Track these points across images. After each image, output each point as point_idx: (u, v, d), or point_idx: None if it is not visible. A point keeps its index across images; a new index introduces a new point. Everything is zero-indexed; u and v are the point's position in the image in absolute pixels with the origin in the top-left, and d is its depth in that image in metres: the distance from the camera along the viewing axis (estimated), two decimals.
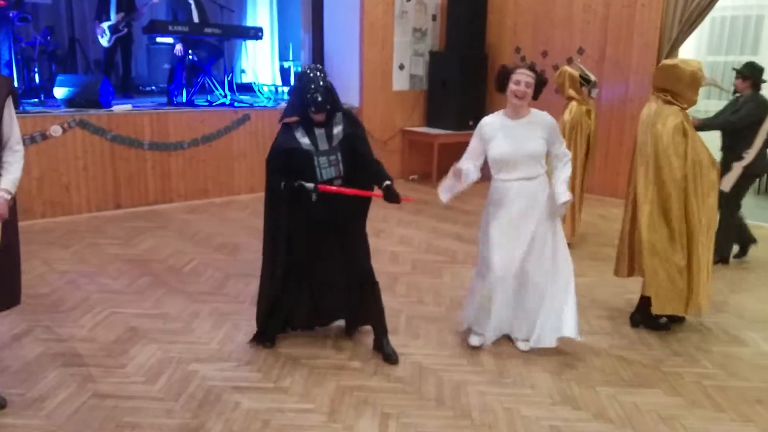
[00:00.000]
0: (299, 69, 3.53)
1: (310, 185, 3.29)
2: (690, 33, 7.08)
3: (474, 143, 3.59)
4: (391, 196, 3.36)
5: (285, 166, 3.34)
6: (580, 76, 5.37)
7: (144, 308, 4.18)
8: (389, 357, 3.59)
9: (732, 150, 5.06)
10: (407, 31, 8.61)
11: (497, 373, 3.43)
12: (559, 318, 3.54)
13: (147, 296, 4.39)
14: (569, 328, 3.53)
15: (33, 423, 2.88)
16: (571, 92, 5.35)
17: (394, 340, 3.77)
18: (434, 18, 8.88)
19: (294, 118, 3.33)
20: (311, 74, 3.26)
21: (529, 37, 8.43)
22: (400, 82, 8.66)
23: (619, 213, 5.05)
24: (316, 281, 3.69)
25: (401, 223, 6.43)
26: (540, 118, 3.51)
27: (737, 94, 5.21)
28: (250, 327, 3.91)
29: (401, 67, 8.63)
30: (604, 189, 7.65)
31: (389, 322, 4.01)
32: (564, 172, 3.53)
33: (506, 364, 3.54)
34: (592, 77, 5.51)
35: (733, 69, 5.33)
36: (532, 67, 3.52)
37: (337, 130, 3.38)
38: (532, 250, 3.53)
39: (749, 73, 5.11)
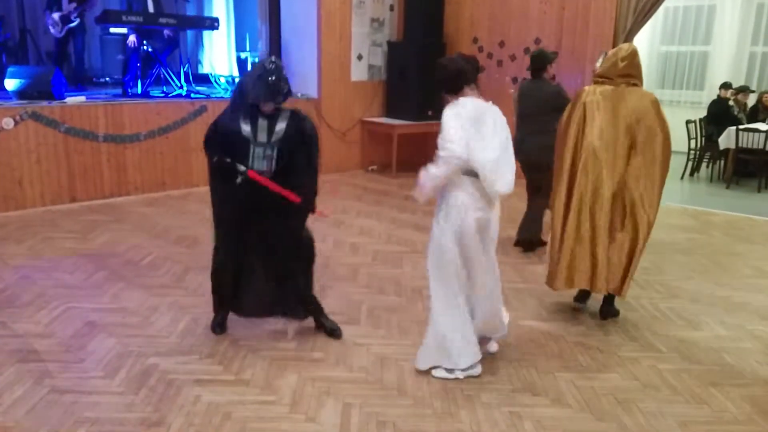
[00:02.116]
0: (257, 60, 3.51)
1: (242, 167, 3.34)
2: (644, 23, 7.25)
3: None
4: (307, 204, 3.46)
5: (221, 146, 3.37)
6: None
7: (102, 302, 4.12)
8: (333, 332, 3.70)
9: None
10: (365, 21, 8.59)
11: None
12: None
13: (105, 290, 4.32)
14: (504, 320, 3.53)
15: None
16: None
17: (355, 330, 3.81)
18: (392, 8, 8.88)
19: None
20: (268, 66, 3.27)
21: (486, 27, 8.51)
22: (358, 72, 8.65)
23: None
24: (248, 266, 3.61)
25: (361, 214, 6.45)
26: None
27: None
28: (210, 320, 3.89)
29: (359, 57, 8.62)
30: None
31: (350, 313, 4.06)
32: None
33: None
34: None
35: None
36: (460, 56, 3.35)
37: (280, 126, 3.38)
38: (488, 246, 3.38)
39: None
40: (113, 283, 4.45)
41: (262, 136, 3.35)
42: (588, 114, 3.81)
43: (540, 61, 5.15)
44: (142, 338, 3.64)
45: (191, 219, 6.12)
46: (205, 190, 7.07)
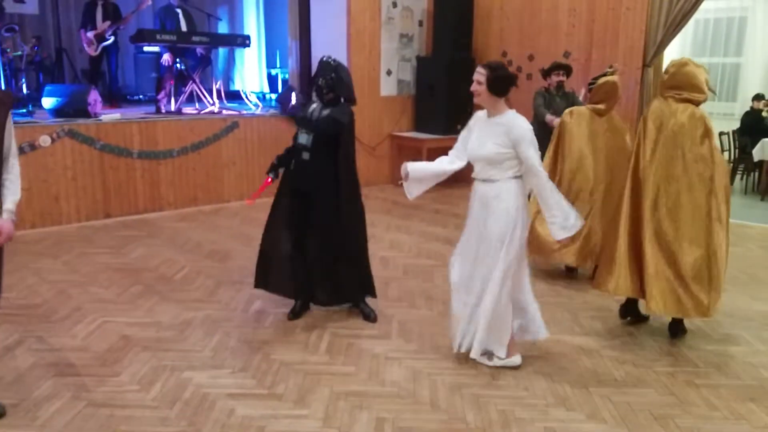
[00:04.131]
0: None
1: (272, 176, 4.03)
2: (675, 35, 7.18)
3: (463, 133, 3.54)
4: (338, 191, 3.96)
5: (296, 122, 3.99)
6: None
7: (136, 317, 4.18)
8: (368, 315, 4.12)
9: None
10: (394, 36, 8.65)
11: (491, 375, 3.45)
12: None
13: (139, 305, 4.38)
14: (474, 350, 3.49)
15: None
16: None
17: (387, 345, 3.81)
18: (421, 24, 8.93)
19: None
20: (323, 65, 3.90)
21: (515, 41, 8.50)
22: (387, 87, 8.70)
23: None
24: (296, 250, 4.05)
25: (391, 228, 6.45)
26: (509, 120, 3.28)
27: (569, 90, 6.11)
28: (243, 334, 3.93)
29: (389, 72, 8.67)
30: None
31: (381, 327, 4.06)
32: (548, 200, 3.30)
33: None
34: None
35: (556, 66, 6.05)
36: (491, 64, 3.33)
37: (327, 111, 3.88)
38: (478, 255, 3.41)
39: (570, 72, 6.03)
40: (147, 298, 4.51)
41: (314, 116, 3.90)
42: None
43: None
44: (176, 352, 3.68)
45: (222, 234, 6.19)
46: (236, 205, 7.24)
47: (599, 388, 3.35)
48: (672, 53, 8.57)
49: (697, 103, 3.73)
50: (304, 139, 3.88)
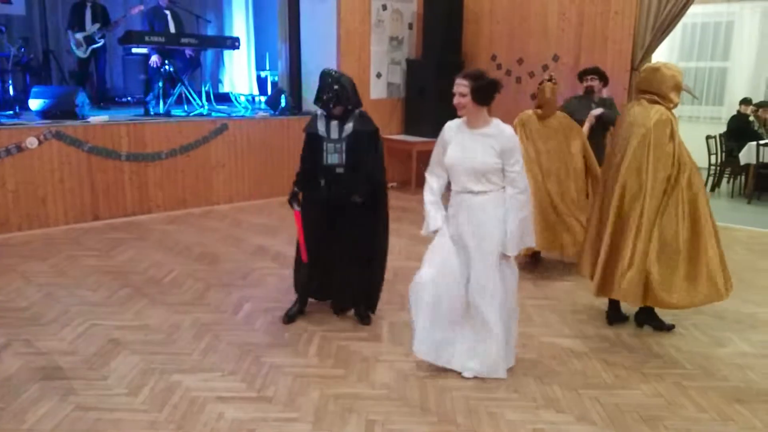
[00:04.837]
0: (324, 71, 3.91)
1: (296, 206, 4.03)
2: (662, 39, 7.23)
3: (437, 148, 3.45)
4: (378, 202, 4.06)
5: (306, 146, 3.99)
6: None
7: (124, 320, 4.15)
8: (363, 318, 4.15)
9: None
10: (384, 39, 8.66)
11: (480, 378, 3.45)
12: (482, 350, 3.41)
13: (127, 308, 4.35)
14: (475, 366, 3.43)
15: None
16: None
17: (377, 347, 3.82)
18: (410, 26, 8.95)
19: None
20: (325, 78, 3.88)
21: (505, 44, 8.54)
22: (377, 90, 8.70)
23: None
24: (323, 256, 4.09)
25: None
26: (497, 131, 3.24)
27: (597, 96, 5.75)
28: (232, 337, 3.92)
29: (378, 75, 8.68)
30: None
31: (371, 329, 4.09)
32: (515, 213, 3.25)
33: None
34: None
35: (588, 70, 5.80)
36: (471, 74, 3.25)
37: (349, 125, 3.92)
38: (472, 270, 3.35)
39: (603, 75, 5.73)
40: (136, 301, 4.48)
41: (334, 134, 3.92)
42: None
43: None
44: (165, 355, 3.66)
45: (212, 237, 6.16)
46: (225, 208, 7.22)
47: (588, 390, 3.36)
48: (659, 57, 8.66)
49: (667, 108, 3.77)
50: (335, 159, 3.89)
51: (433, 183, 3.51)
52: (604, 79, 5.71)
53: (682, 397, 3.31)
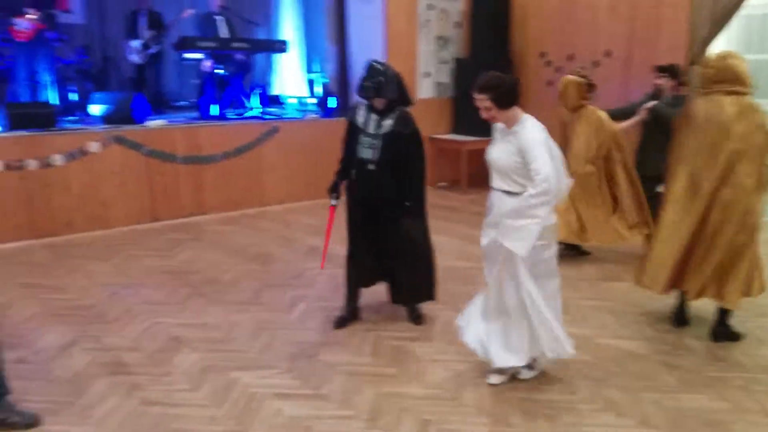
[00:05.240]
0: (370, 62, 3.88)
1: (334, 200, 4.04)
2: (721, 31, 6.99)
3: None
4: (415, 206, 4.01)
5: (346, 133, 3.94)
6: (587, 83, 5.34)
7: (185, 318, 4.27)
8: (415, 318, 4.14)
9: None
10: (431, 39, 8.66)
11: (536, 380, 3.43)
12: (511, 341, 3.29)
13: (187, 306, 4.48)
14: (502, 359, 3.31)
15: (85, 430, 2.97)
16: (581, 100, 5.29)
17: (429, 347, 3.82)
18: (457, 25, 8.92)
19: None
20: (369, 68, 3.79)
21: (554, 41, 8.42)
22: (425, 90, 8.70)
23: None
24: (364, 250, 4.08)
25: (432, 231, 6.43)
26: (519, 129, 3.11)
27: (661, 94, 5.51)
28: (288, 335, 3.99)
29: (426, 75, 8.68)
30: None
31: (424, 329, 4.08)
32: (524, 211, 3.01)
33: (546, 370, 3.52)
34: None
35: (658, 68, 5.63)
36: (486, 86, 3.11)
37: (387, 122, 3.82)
38: (500, 264, 3.24)
39: (676, 73, 5.47)
40: (195, 300, 4.61)
41: (371, 128, 3.83)
42: None
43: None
44: (223, 353, 3.75)
45: (265, 237, 6.28)
46: (278, 209, 7.33)
47: (649, 393, 3.29)
48: (716, 50, 8.38)
49: (744, 95, 3.67)
50: (368, 153, 3.83)
51: None
52: (675, 77, 5.45)
53: (748, 402, 3.21)
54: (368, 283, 4.22)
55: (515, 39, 8.75)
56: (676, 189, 3.81)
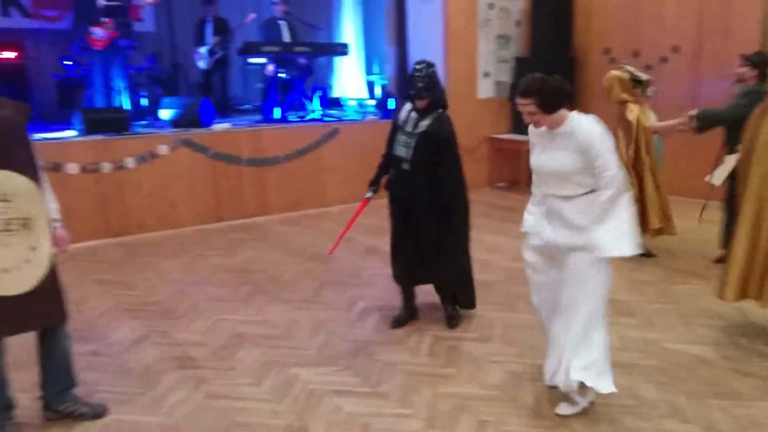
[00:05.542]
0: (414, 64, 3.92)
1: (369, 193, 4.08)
2: None
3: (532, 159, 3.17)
4: (447, 206, 3.94)
5: (391, 130, 4.00)
6: (631, 78, 5.19)
7: (247, 315, 4.40)
8: (449, 320, 4.09)
9: (730, 143, 4.77)
10: (491, 38, 8.59)
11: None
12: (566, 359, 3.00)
13: (250, 304, 4.61)
14: (561, 378, 3.01)
15: (155, 420, 3.11)
16: (624, 95, 5.18)
17: (488, 348, 3.80)
18: (518, 24, 8.82)
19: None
20: (417, 67, 3.84)
21: (619, 37, 8.20)
22: (485, 89, 8.65)
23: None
24: (403, 244, 4.08)
25: (489, 231, 6.40)
26: (575, 127, 2.88)
27: (741, 84, 4.95)
28: (347, 333, 4.05)
29: (486, 74, 8.62)
30: (689, 190, 6.94)
31: (482, 330, 4.05)
32: (613, 213, 2.81)
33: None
34: (644, 77, 5.29)
35: (742, 56, 5.05)
36: (530, 90, 2.89)
37: (425, 122, 3.83)
38: (567, 277, 2.99)
39: (759, 62, 4.87)
40: (257, 297, 4.74)
41: (409, 126, 3.85)
42: None
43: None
44: (284, 349, 3.85)
45: (325, 237, 6.37)
46: (338, 209, 7.44)
47: (718, 400, 3.17)
48: None
49: None
50: (402, 152, 3.86)
51: (532, 207, 3.25)
52: (757, 66, 4.92)
53: None
54: (413, 281, 4.15)
55: (578, 36, 8.57)
56: (749, 194, 3.64)
